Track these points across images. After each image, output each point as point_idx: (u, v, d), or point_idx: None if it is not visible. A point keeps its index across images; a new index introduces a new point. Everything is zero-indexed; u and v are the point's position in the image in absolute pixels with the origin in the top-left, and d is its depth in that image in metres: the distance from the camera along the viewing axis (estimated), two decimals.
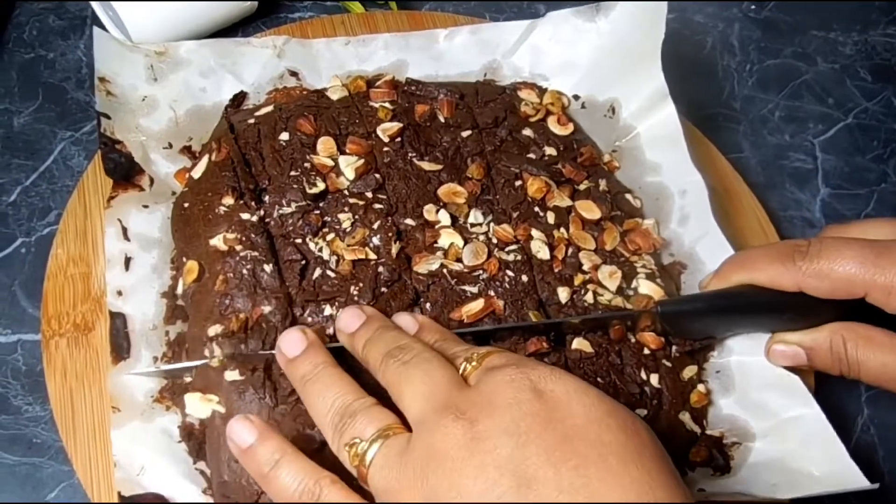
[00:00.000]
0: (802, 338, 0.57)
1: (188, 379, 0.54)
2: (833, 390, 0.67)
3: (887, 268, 0.52)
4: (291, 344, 0.50)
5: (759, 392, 0.59)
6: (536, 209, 0.63)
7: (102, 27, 0.71)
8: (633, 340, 0.59)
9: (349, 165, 0.61)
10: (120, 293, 0.57)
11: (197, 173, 0.62)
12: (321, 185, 0.60)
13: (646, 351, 0.58)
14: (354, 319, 0.51)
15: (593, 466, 0.37)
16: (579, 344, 0.57)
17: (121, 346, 0.55)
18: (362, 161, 0.61)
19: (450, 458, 0.38)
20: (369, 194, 0.61)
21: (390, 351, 0.46)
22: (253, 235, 0.57)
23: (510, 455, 0.37)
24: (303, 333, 0.50)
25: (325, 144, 0.62)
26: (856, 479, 0.52)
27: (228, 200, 0.58)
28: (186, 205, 0.60)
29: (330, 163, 0.61)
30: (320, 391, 0.46)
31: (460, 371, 0.44)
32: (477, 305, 0.56)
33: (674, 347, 0.60)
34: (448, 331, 0.53)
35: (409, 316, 0.53)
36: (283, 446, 0.45)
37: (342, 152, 0.62)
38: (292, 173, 0.61)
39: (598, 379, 0.56)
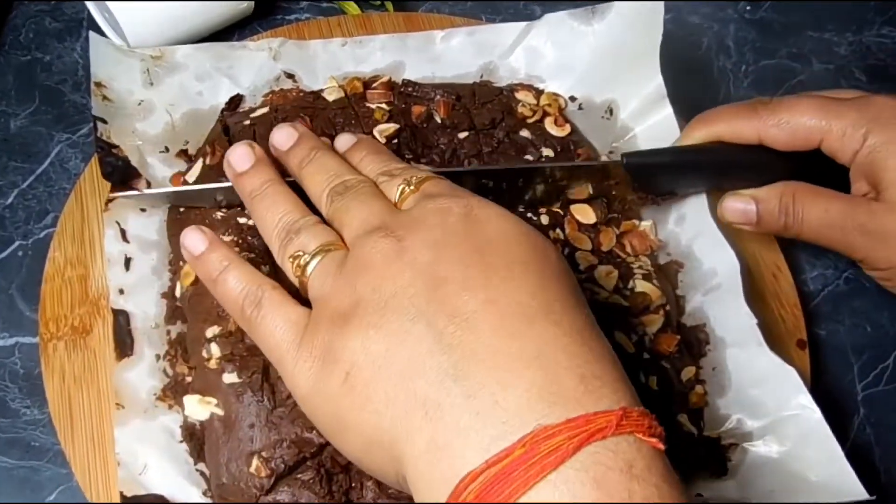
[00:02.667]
0: (756, 192, 0.60)
1: (189, 379, 0.55)
2: (829, 390, 0.67)
3: (842, 115, 0.56)
4: (240, 159, 0.52)
5: (754, 388, 0.59)
6: (530, 214, 0.63)
7: (98, 29, 0.71)
8: (635, 339, 0.59)
9: None
10: (122, 291, 0.57)
11: (191, 177, 0.62)
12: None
13: (645, 356, 0.59)
14: (287, 138, 0.54)
15: (498, 272, 0.40)
16: None
17: (124, 343, 0.56)
18: None
19: (375, 266, 0.41)
20: None
21: (333, 187, 0.49)
22: (250, 238, 0.57)
23: (426, 262, 0.40)
24: (250, 148, 0.52)
25: None
26: (853, 489, 0.52)
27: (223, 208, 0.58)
28: (182, 209, 0.60)
29: None
30: (268, 207, 0.49)
31: (398, 193, 0.47)
32: None
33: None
34: (385, 149, 0.56)
35: (346, 134, 0.56)
36: (230, 255, 0.49)
37: None
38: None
39: None
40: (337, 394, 0.40)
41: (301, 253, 0.45)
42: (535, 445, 0.33)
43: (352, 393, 0.39)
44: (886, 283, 0.59)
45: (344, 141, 0.55)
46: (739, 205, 0.61)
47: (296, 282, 0.46)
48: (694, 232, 0.65)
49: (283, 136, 0.54)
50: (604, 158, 0.70)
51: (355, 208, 0.46)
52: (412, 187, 0.47)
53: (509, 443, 0.34)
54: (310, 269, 0.45)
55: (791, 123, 0.57)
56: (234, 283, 0.47)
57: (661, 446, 0.36)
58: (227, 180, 0.58)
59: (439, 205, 0.44)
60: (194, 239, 0.49)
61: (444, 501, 0.35)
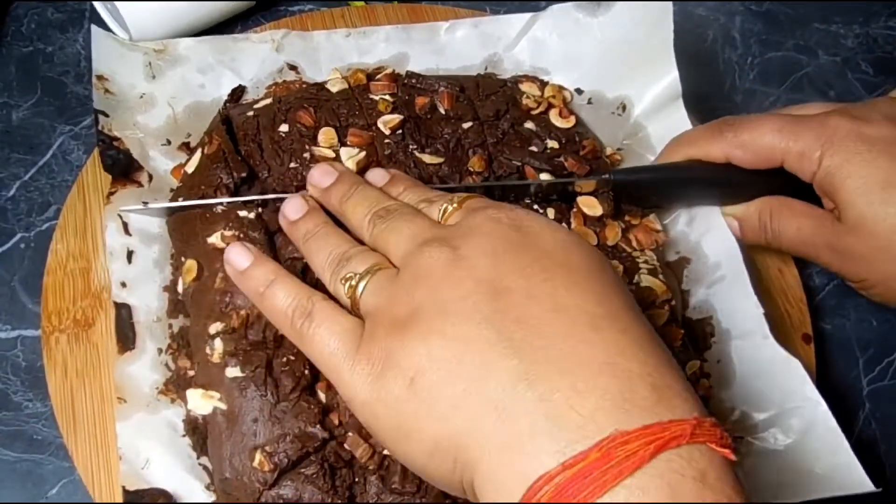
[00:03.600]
0: (735, 210, 0.63)
1: (191, 373, 0.54)
2: (834, 385, 0.67)
3: (800, 135, 0.58)
4: (294, 209, 0.54)
5: (759, 381, 0.59)
6: (536, 207, 0.63)
7: (101, 21, 0.70)
8: None
9: (351, 158, 0.61)
10: (124, 284, 0.57)
11: (190, 168, 0.62)
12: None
13: None
14: (326, 176, 0.55)
15: (560, 278, 0.40)
16: None
17: (126, 337, 0.55)
18: (364, 153, 0.61)
19: (433, 275, 0.41)
20: None
21: (375, 212, 0.49)
22: (251, 232, 0.56)
23: (486, 270, 0.40)
24: (304, 200, 0.54)
25: (326, 135, 0.62)
26: (858, 481, 0.52)
27: (223, 197, 0.58)
28: (181, 199, 0.60)
29: (331, 154, 0.61)
30: (320, 245, 0.50)
31: (441, 212, 0.47)
32: None
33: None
34: (420, 183, 0.56)
35: (380, 170, 0.57)
36: (277, 269, 0.50)
37: (343, 144, 0.62)
38: (292, 165, 0.60)
39: None
40: (399, 400, 0.40)
41: (352, 274, 0.46)
42: (611, 450, 0.34)
43: (416, 398, 0.39)
44: (866, 292, 0.61)
45: (379, 176, 0.56)
46: (725, 222, 0.64)
47: (348, 303, 0.46)
48: (703, 229, 0.65)
49: (321, 175, 0.55)
50: (609, 151, 0.69)
51: (401, 227, 0.46)
52: (455, 205, 0.47)
53: (586, 447, 0.34)
54: (361, 287, 0.45)
55: (753, 145, 0.60)
56: (283, 295, 0.47)
57: (733, 457, 0.36)
58: (227, 179, 0.58)
59: (489, 215, 0.44)
60: (239, 255, 0.51)
61: (517, 502, 0.35)
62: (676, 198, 0.66)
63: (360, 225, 0.50)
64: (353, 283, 0.45)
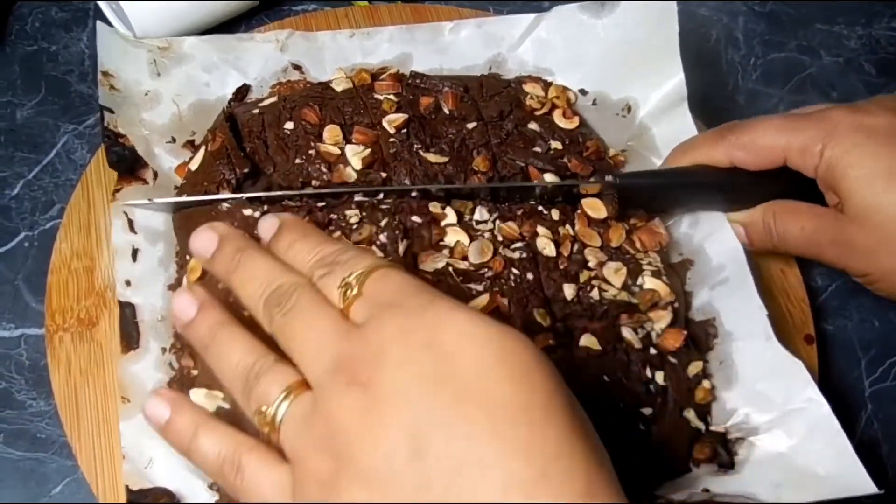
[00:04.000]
0: (741, 216, 0.63)
1: (195, 372, 0.54)
2: (836, 386, 0.67)
3: (801, 131, 0.58)
4: (181, 308, 0.46)
5: (762, 382, 0.58)
6: (541, 207, 0.63)
7: (105, 19, 0.70)
8: (642, 335, 0.59)
9: (356, 155, 0.61)
10: (128, 283, 0.57)
11: (194, 165, 0.62)
12: (327, 177, 0.60)
13: (652, 351, 0.58)
14: (208, 243, 0.47)
15: (482, 429, 0.36)
16: (587, 341, 0.57)
17: (130, 336, 0.56)
18: (369, 151, 0.61)
19: (349, 430, 0.37)
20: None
21: (268, 298, 0.43)
22: (256, 231, 0.56)
23: (403, 421, 0.36)
24: (191, 294, 0.47)
25: (331, 132, 0.62)
26: (861, 483, 0.52)
27: (226, 194, 0.58)
28: (185, 196, 0.60)
29: (336, 151, 0.61)
30: (220, 355, 0.45)
31: (341, 297, 0.42)
32: (482, 301, 0.56)
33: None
34: (313, 229, 0.48)
35: (270, 218, 0.48)
36: (197, 417, 0.45)
37: (348, 141, 0.62)
38: (297, 161, 0.61)
39: (605, 377, 0.56)
40: None
41: (265, 408, 0.41)
42: None
43: None
44: (871, 286, 0.60)
45: (267, 227, 0.48)
46: (732, 229, 0.64)
47: (266, 436, 0.42)
48: (707, 231, 0.65)
49: (203, 243, 0.48)
50: (612, 152, 0.70)
51: (301, 331, 0.42)
52: (355, 290, 0.42)
53: None
54: (277, 422, 0.41)
55: (755, 145, 0.60)
56: (210, 445, 0.43)
57: None
58: (230, 176, 0.58)
59: (398, 326, 0.39)
60: (156, 407, 0.45)
61: None
62: (681, 203, 0.66)
63: (254, 308, 0.44)
64: (268, 417, 0.41)
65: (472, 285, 0.57)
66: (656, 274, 0.61)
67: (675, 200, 0.66)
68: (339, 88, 0.66)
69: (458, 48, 0.72)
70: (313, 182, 0.61)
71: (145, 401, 0.46)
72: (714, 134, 0.62)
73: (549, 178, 0.64)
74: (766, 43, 0.86)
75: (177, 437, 0.45)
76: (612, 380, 0.56)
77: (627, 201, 0.63)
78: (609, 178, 0.62)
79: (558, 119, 0.68)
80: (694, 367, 0.59)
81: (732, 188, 0.63)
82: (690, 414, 0.58)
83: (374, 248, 0.57)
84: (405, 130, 0.63)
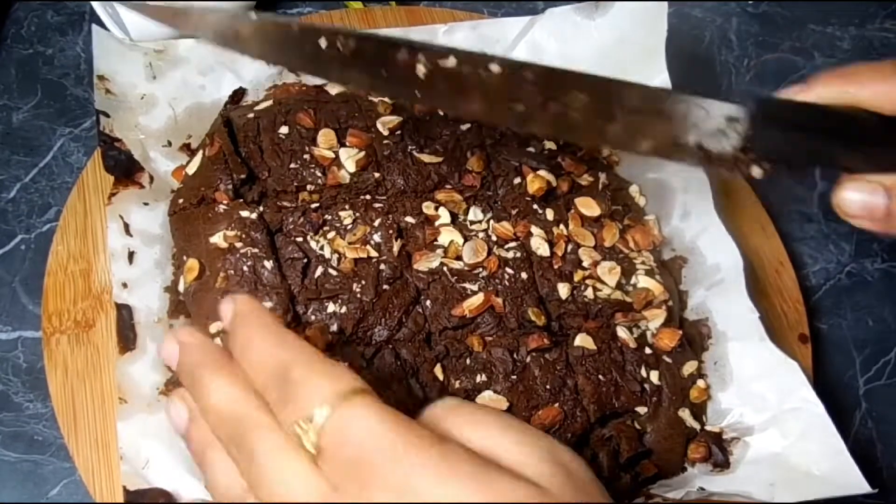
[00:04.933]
0: (886, 178, 0.45)
1: None
2: (831, 385, 0.68)
3: None
4: (175, 418, 0.42)
5: (756, 382, 0.59)
6: (535, 206, 0.63)
7: (100, 23, 0.71)
8: (637, 334, 0.59)
9: (350, 158, 0.61)
10: (125, 285, 0.57)
11: (191, 169, 0.62)
12: (322, 181, 0.60)
13: (647, 350, 0.59)
14: (169, 355, 0.42)
15: None
16: (582, 340, 0.57)
17: (127, 338, 0.56)
18: (363, 153, 0.62)
19: None
20: (367, 196, 0.61)
21: (230, 436, 0.39)
22: (252, 232, 0.57)
23: None
24: (181, 402, 0.41)
25: (326, 137, 0.62)
26: (855, 483, 0.52)
27: (223, 198, 0.58)
28: (181, 201, 0.60)
29: (330, 155, 0.61)
30: (208, 478, 0.40)
31: (309, 444, 0.36)
32: (477, 300, 0.56)
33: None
34: (269, 320, 0.41)
35: (226, 303, 0.41)
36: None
37: (342, 145, 0.63)
38: (292, 165, 0.61)
39: (601, 376, 0.56)
40: None
41: None
42: None
43: None
44: None
45: (223, 313, 0.42)
46: (861, 195, 0.46)
47: None
48: (699, 228, 0.65)
49: (165, 354, 0.42)
50: (606, 152, 0.70)
51: (269, 485, 0.37)
52: (316, 446, 0.36)
53: None
54: None
55: None
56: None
57: None
58: (228, 181, 0.58)
59: (372, 485, 0.34)
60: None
61: None
62: (827, 156, 0.46)
63: (217, 435, 0.39)
64: None
65: (467, 285, 0.57)
66: (650, 273, 0.61)
67: (822, 150, 0.45)
68: (333, 92, 0.66)
69: None
70: (308, 186, 0.61)
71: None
72: (886, 68, 0.44)
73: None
74: (760, 44, 0.87)
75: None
76: (608, 379, 0.57)
77: (760, 139, 0.41)
78: (738, 103, 0.41)
79: None
80: (689, 367, 0.60)
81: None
82: (685, 413, 0.58)
83: (368, 247, 0.57)
84: (399, 132, 0.64)
